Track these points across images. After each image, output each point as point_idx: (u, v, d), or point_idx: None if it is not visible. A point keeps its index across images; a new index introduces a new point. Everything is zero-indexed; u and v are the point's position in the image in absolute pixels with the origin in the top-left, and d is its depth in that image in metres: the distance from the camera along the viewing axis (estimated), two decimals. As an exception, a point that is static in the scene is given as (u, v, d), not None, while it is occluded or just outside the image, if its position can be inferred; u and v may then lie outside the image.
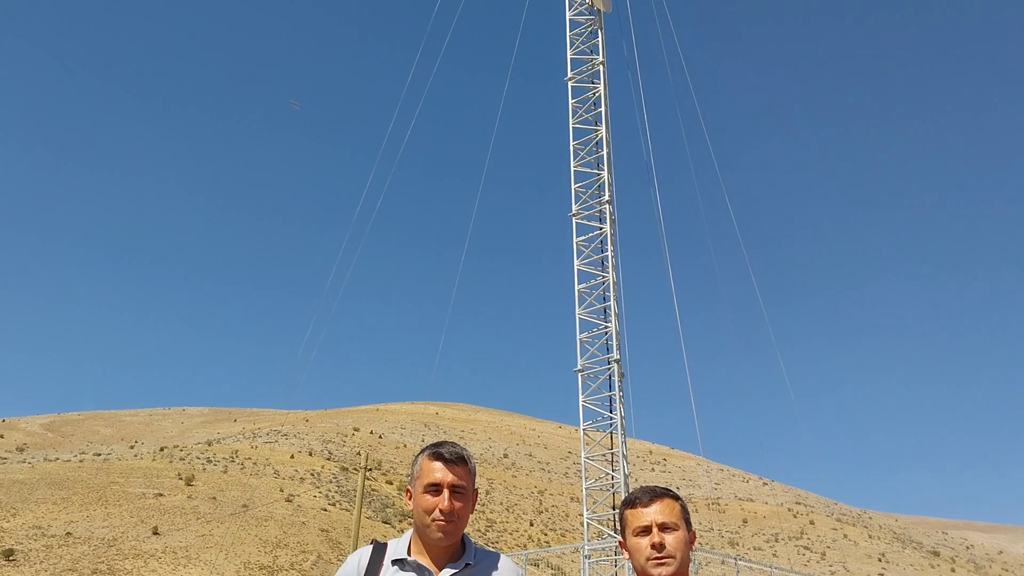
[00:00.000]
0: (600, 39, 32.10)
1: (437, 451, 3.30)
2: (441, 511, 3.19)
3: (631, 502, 3.35)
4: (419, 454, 3.38)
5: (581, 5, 32.33)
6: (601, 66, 31.92)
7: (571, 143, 31.94)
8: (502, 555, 3.38)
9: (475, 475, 3.38)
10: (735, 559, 28.71)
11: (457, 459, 3.28)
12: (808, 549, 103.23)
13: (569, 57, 32.31)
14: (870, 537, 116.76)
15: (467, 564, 3.25)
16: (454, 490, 3.24)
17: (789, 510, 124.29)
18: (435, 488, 3.23)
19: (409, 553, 3.28)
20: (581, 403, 29.47)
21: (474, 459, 3.35)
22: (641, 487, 3.45)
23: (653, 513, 3.26)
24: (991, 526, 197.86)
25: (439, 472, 3.25)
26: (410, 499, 3.35)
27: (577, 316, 30.68)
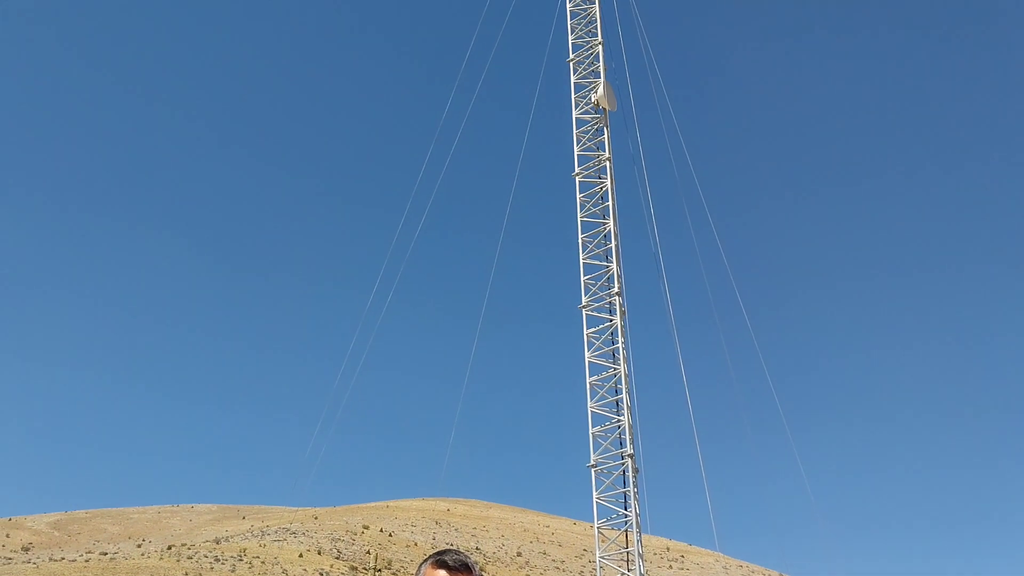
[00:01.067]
0: (606, 136, 32.94)
1: (441, 559, 3.28)
2: None
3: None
4: (422, 563, 3.35)
5: (587, 104, 33.30)
6: (608, 162, 32.65)
7: (580, 236, 32.41)
8: None
9: None
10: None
11: (461, 567, 3.26)
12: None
13: (576, 153, 33.08)
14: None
15: None
16: None
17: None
18: None
19: None
20: (595, 500, 28.95)
21: (479, 566, 3.33)
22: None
23: None
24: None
25: None
26: (415, 607, 3.32)
27: (589, 409, 30.46)
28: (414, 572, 3.42)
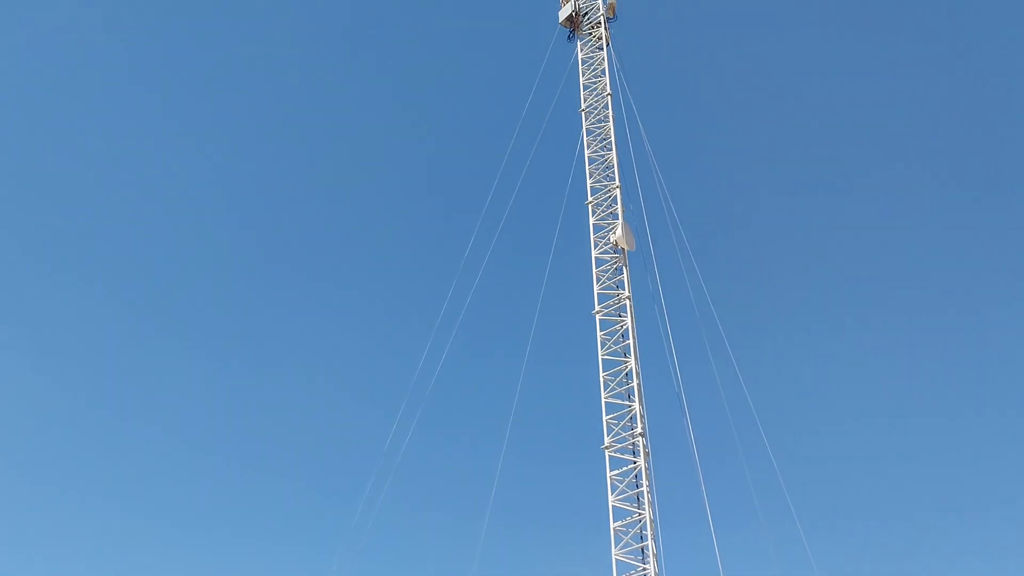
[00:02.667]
0: (625, 275, 32.79)
1: None
2: None
3: None
4: None
5: (606, 244, 33.46)
6: (627, 300, 32.31)
7: (601, 374, 31.48)
8: None
9: None
10: None
11: None
12: None
13: (596, 292, 32.83)
14: None
15: None
16: None
17: None
18: None
19: None
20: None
21: None
22: None
23: None
24: None
25: None
26: None
27: (613, 557, 28.29)
28: None
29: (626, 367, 31.18)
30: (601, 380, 31.32)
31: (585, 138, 35.79)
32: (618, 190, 34.24)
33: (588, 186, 34.94)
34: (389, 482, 34.01)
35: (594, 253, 33.70)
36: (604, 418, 30.62)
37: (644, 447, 29.69)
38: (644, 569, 27.43)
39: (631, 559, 27.84)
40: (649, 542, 27.86)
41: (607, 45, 37.26)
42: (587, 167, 35.22)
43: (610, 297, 32.65)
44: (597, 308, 32.63)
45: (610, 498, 29.20)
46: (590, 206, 34.66)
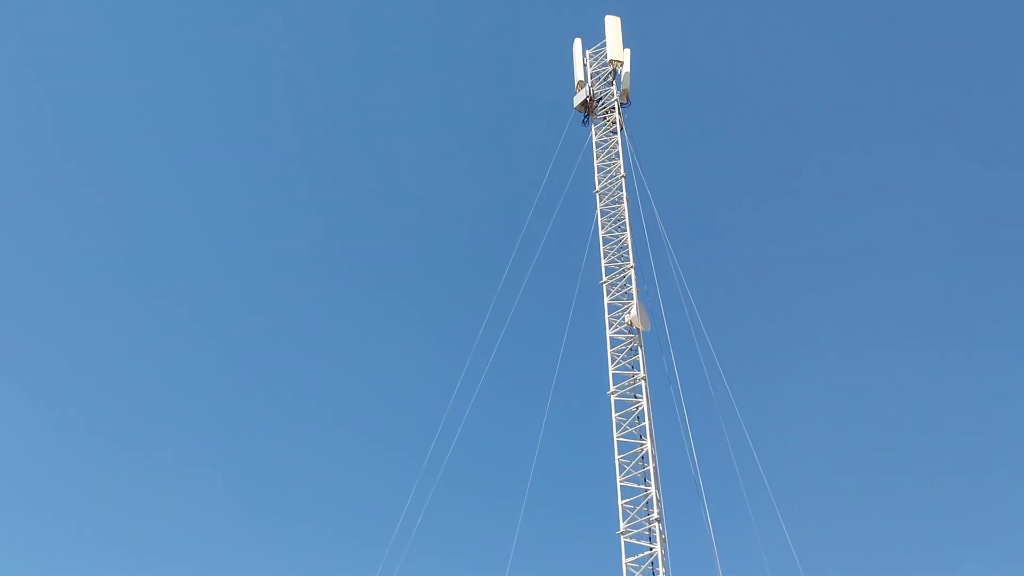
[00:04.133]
0: (640, 356, 32.44)
1: None
2: None
3: None
4: None
5: (620, 324, 33.25)
6: (643, 381, 31.87)
7: (616, 457, 30.81)
8: None
9: None
10: None
11: None
12: None
13: (611, 372, 32.44)
14: None
15: None
16: None
17: None
18: None
19: None
20: None
21: None
22: None
23: None
24: None
25: None
26: None
27: (629, 651, 27.22)
28: None
29: (642, 450, 30.56)
30: (616, 463, 30.65)
31: (599, 218, 36.01)
32: (632, 270, 34.22)
33: (602, 266, 34.97)
34: (410, 542, 33.13)
35: (609, 333, 33.46)
36: (620, 503, 29.84)
37: (660, 533, 28.81)
38: (662, 663, 26.28)
39: (648, 652, 26.72)
40: (667, 635, 26.78)
41: (621, 129, 37.87)
42: (601, 247, 35.32)
43: (625, 378, 32.26)
44: (612, 389, 32.21)
45: (626, 587, 28.21)
46: (604, 286, 34.61)
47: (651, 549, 28.51)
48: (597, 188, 36.90)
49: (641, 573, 28.15)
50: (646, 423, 30.91)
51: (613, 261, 34.81)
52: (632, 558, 28.61)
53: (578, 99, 39.99)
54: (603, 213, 36.04)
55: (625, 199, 35.73)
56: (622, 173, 36.49)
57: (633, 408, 31.46)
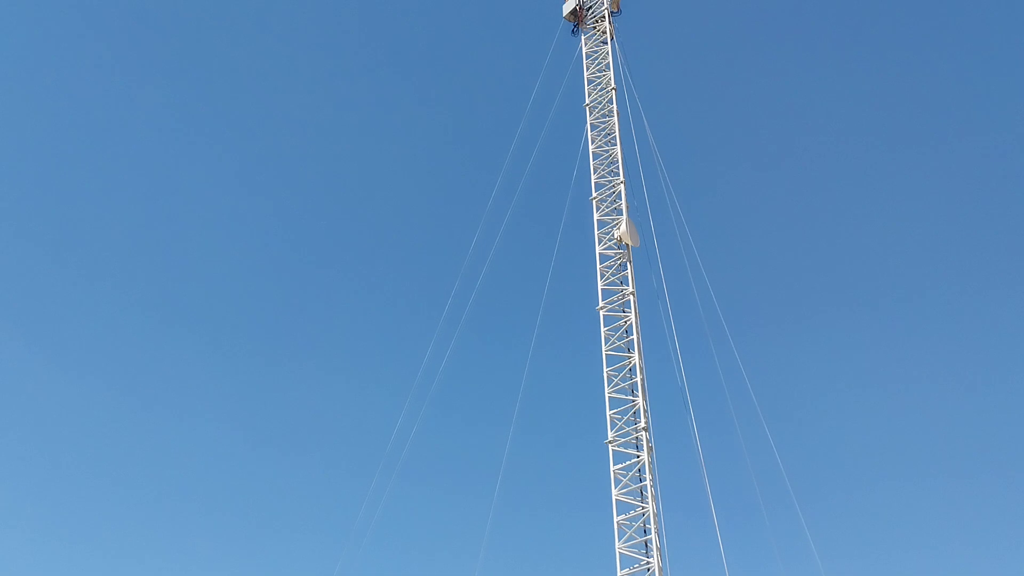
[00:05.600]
0: (629, 271, 32.97)
1: None
2: None
3: None
4: None
5: (610, 240, 33.63)
6: (631, 296, 32.50)
7: (605, 369, 31.74)
8: None
9: None
10: None
11: None
12: None
13: (600, 288, 33.03)
14: None
15: None
16: None
17: None
18: None
19: None
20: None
21: None
22: None
23: None
24: None
25: None
26: None
27: (617, 551, 28.65)
28: None
29: (630, 362, 31.40)
30: (605, 375, 31.55)
31: (589, 133, 35.87)
32: (622, 186, 34.34)
33: (592, 182, 35.06)
34: (398, 470, 34.35)
35: (598, 249, 33.85)
36: (608, 413, 30.87)
37: (647, 442, 29.96)
38: (648, 563, 27.76)
39: (635, 553, 28.17)
40: (653, 536, 28.19)
41: (611, 39, 37.26)
42: (591, 162, 35.32)
43: (614, 293, 32.84)
44: (601, 304, 32.82)
45: (613, 492, 29.49)
46: (594, 202, 34.78)
47: (638, 457, 29.69)
48: (587, 101, 36.59)
49: (629, 480, 29.37)
50: (634, 337, 31.64)
51: (603, 176, 34.87)
52: (620, 466, 29.80)
53: (567, 7, 39.14)
54: (593, 127, 35.87)
55: (615, 113, 35.51)
56: (612, 85, 36.11)
57: (622, 322, 32.15)
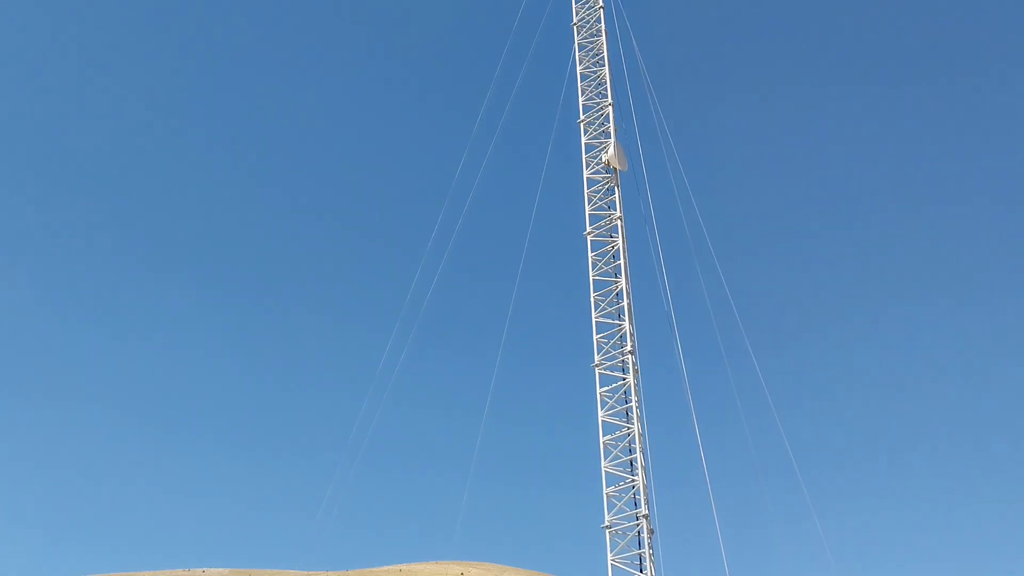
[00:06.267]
0: (617, 195, 33.19)
1: None
2: None
3: None
4: None
5: (598, 164, 33.66)
6: (619, 221, 32.84)
7: (592, 294, 32.42)
8: None
9: None
10: None
11: None
12: None
13: (588, 213, 33.33)
14: None
15: None
16: None
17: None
18: None
19: None
20: (610, 562, 28.42)
21: None
22: None
23: None
24: None
25: None
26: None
27: (603, 469, 30.10)
28: None
29: (616, 287, 32.06)
30: (592, 300, 32.27)
31: (577, 53, 35.30)
32: (611, 108, 34.13)
33: (580, 104, 34.79)
34: (382, 405, 35.39)
35: (586, 173, 33.96)
36: (594, 337, 31.73)
37: (633, 364, 30.98)
38: (632, 481, 29.15)
39: (620, 471, 29.54)
40: (637, 455, 29.54)
41: (599, -49, 36.20)
42: (579, 84, 34.95)
43: (601, 218, 33.17)
44: (588, 229, 33.20)
45: (600, 413, 30.71)
46: (582, 125, 34.62)
47: (624, 380, 30.73)
48: (575, 20, 35.85)
49: (615, 402, 30.48)
50: (621, 261, 32.20)
51: (591, 99, 34.58)
52: (606, 388, 30.93)
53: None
54: (581, 48, 35.29)
55: (603, 32, 34.87)
56: (600, 3, 35.36)
57: (609, 247, 32.64)
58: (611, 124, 33.86)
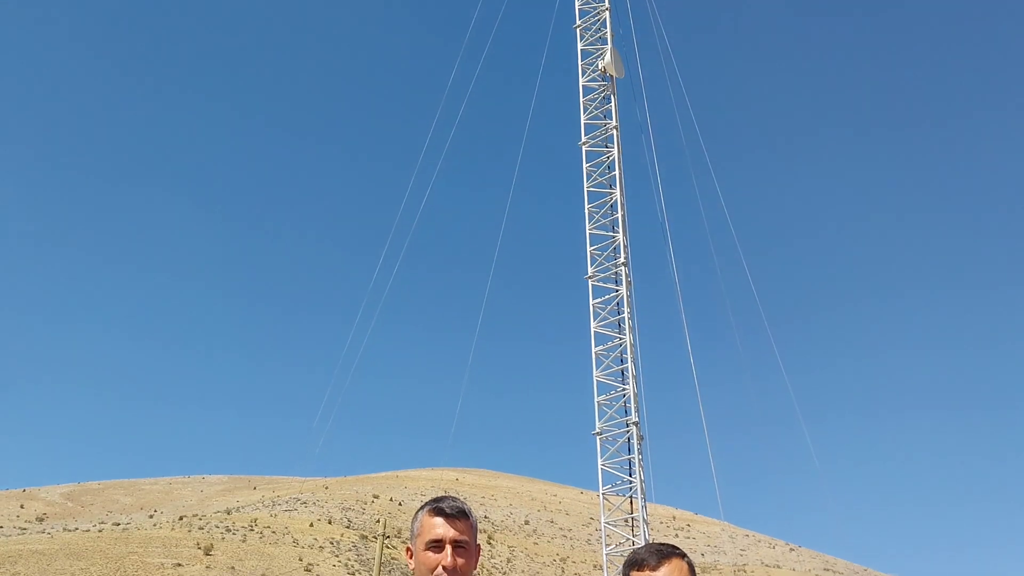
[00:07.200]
0: (613, 104, 32.68)
1: (438, 506, 3.26)
2: (444, 568, 3.14)
3: (637, 564, 3.14)
4: (419, 510, 3.34)
5: (594, 72, 33.01)
6: (615, 130, 32.42)
7: (586, 206, 32.27)
8: None
9: (477, 529, 3.34)
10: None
11: (458, 513, 3.23)
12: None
13: (583, 122, 32.86)
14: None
15: None
16: (456, 545, 3.17)
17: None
18: (437, 545, 3.17)
19: None
20: (600, 466, 29.13)
21: (475, 512, 3.31)
22: (646, 545, 3.27)
23: None
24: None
25: (440, 528, 3.19)
26: (411, 557, 3.31)
27: (595, 378, 30.55)
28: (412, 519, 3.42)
29: (611, 198, 31.89)
30: (586, 212, 32.13)
31: (573, -45, 34.19)
32: (607, 12, 33.25)
33: (576, 8, 33.87)
34: (376, 316, 35.55)
35: (581, 81, 33.33)
36: (588, 249, 31.74)
37: (627, 276, 31.06)
38: (624, 390, 29.65)
39: (611, 380, 30.00)
40: (629, 364, 29.95)
41: None
42: (575, -12, 33.93)
43: (597, 127, 32.72)
44: (584, 139, 32.79)
45: (592, 325, 30.95)
46: (578, 30, 33.77)
47: (617, 291, 30.86)
48: (571, -81, 34.55)
49: (607, 313, 30.70)
50: (616, 172, 31.91)
51: (587, 3, 33.67)
52: (599, 299, 31.10)
53: None
54: (577, -51, 34.13)
55: (600, -67, 33.67)
56: (597, -100, 34.04)
57: (604, 158, 32.30)
58: (608, 30, 33.06)
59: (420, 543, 3.23)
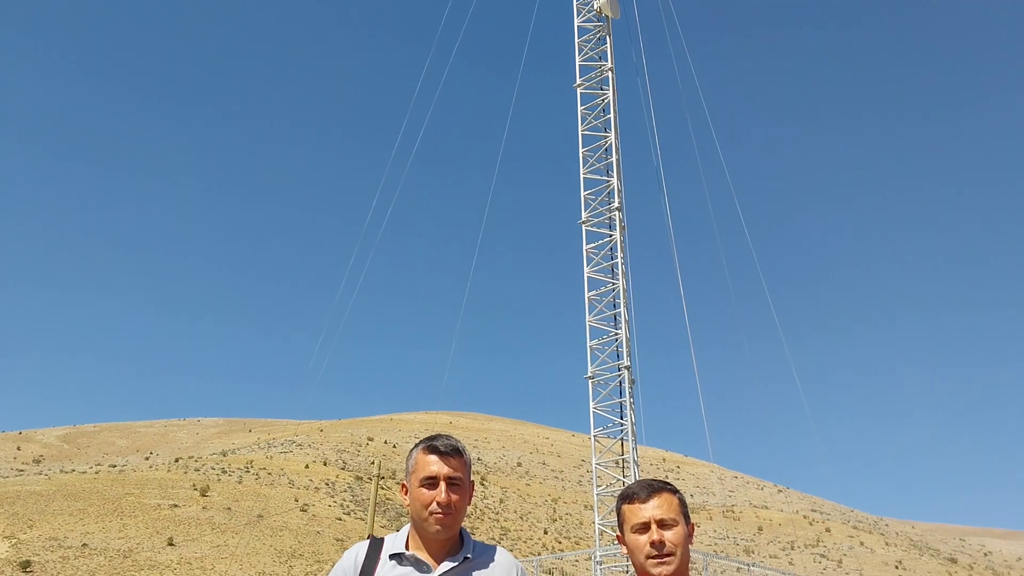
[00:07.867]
0: (609, 45, 32.17)
1: (432, 444, 3.28)
2: (439, 504, 3.17)
3: (628, 497, 3.22)
4: (413, 448, 3.35)
5: (589, 12, 32.43)
6: (610, 72, 31.98)
7: (580, 150, 32.00)
8: (499, 547, 3.37)
9: (471, 467, 3.37)
10: (750, 566, 28.54)
11: (452, 451, 3.25)
12: (824, 557, 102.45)
13: (578, 64, 32.40)
14: (887, 544, 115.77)
15: (466, 557, 3.23)
16: (450, 482, 3.21)
17: (804, 517, 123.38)
18: (431, 481, 3.20)
19: (407, 548, 3.27)
20: (592, 409, 29.43)
21: (468, 451, 3.33)
22: (638, 481, 3.34)
23: (651, 509, 3.14)
24: (1009, 532, 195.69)
25: (435, 465, 3.22)
26: (406, 494, 3.33)
27: (587, 323, 30.69)
28: (406, 456, 3.44)
29: (606, 142, 31.61)
30: (580, 155, 31.87)
31: None
32: (603, -49, 32.48)
33: (572, -54, 33.07)
34: (372, 255, 35.46)
35: (577, 21, 32.75)
36: (582, 193, 31.56)
37: (620, 221, 30.96)
38: (616, 334, 29.79)
39: (604, 325, 30.13)
40: (621, 309, 30.00)
41: None
42: (571, -75, 33.10)
43: (592, 69, 32.26)
44: (578, 81, 32.35)
45: (585, 270, 30.95)
46: (573, -31, 33.05)
47: (610, 236, 30.79)
48: None
49: (601, 258, 30.68)
50: (611, 115, 31.58)
51: (583, -59, 32.86)
52: (592, 244, 31.03)
53: None
54: None
55: None
56: None
57: (599, 100, 31.92)
58: (604, -31, 32.33)
59: (415, 480, 3.26)
